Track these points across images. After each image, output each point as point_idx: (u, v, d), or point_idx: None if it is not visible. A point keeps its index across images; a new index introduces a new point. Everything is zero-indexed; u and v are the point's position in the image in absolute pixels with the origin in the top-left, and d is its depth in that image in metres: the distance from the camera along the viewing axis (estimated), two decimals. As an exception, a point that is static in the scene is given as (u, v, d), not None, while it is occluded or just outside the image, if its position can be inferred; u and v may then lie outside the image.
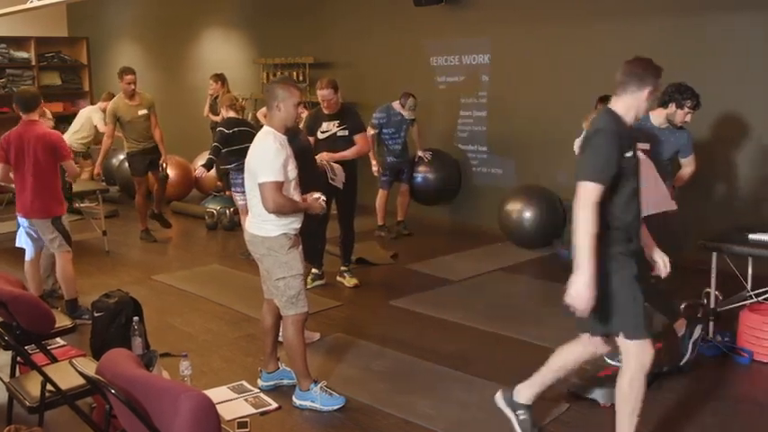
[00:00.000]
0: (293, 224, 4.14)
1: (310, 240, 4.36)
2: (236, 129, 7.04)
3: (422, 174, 8.75)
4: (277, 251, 4.08)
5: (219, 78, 9.93)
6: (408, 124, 8.36)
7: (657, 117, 5.20)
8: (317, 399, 4.18)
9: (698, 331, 4.34)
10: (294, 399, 4.25)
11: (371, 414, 4.14)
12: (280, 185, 3.97)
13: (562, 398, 4.29)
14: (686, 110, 5.07)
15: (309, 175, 5.11)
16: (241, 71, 11.60)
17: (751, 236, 5.11)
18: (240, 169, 7.03)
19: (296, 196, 4.14)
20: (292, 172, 4.09)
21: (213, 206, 9.30)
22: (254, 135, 6.91)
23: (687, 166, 5.39)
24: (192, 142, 11.33)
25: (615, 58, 7.58)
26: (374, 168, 8.20)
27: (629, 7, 7.49)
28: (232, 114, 7.25)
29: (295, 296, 4.13)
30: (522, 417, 3.81)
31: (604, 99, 6.88)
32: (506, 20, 8.52)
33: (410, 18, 9.32)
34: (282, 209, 4.00)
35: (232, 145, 6.93)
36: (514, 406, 3.85)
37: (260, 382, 4.47)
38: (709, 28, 6.95)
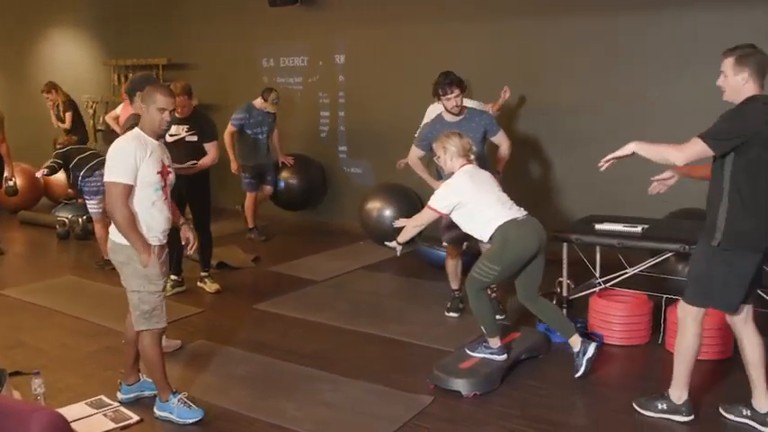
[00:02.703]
0: (157, 234, 3.97)
1: (167, 247, 4.24)
2: (68, 146, 7.31)
3: (285, 180, 8.72)
4: (137, 261, 3.88)
5: (52, 87, 9.52)
6: (272, 121, 8.30)
7: (446, 114, 5.52)
8: (175, 411, 4.07)
9: (592, 350, 4.52)
10: (155, 410, 4.14)
11: (236, 420, 4.08)
12: (126, 189, 3.78)
13: (425, 390, 4.38)
14: (448, 94, 5.36)
15: None
16: (91, 73, 11.20)
17: (597, 226, 5.39)
18: (90, 175, 6.87)
19: (161, 208, 3.96)
20: (152, 176, 3.89)
21: (65, 215, 8.90)
22: (87, 148, 6.83)
23: (501, 143, 5.67)
24: (40, 148, 10.81)
25: (465, 58, 7.87)
26: (233, 167, 8.10)
27: (474, 9, 7.75)
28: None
29: (149, 312, 3.95)
30: None
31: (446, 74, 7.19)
32: (360, 20, 8.63)
33: (266, 18, 9.26)
34: (117, 219, 3.79)
35: (71, 159, 6.98)
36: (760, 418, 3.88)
37: (120, 395, 4.32)
38: (549, 29, 7.31)
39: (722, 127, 3.56)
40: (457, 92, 5.35)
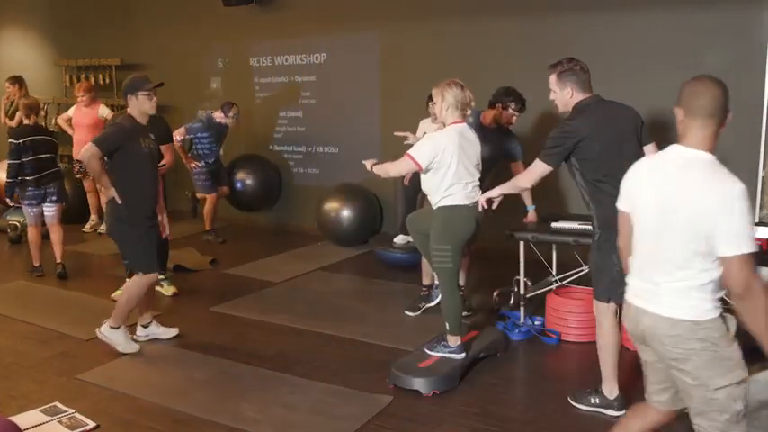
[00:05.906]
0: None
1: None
2: (27, 138, 6.56)
3: (242, 181, 8.65)
4: (717, 343, 2.69)
5: (17, 81, 9.36)
6: (226, 132, 8.23)
7: (487, 117, 5.53)
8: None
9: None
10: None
11: (196, 425, 4.04)
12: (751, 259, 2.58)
13: (385, 390, 4.39)
14: (511, 111, 5.46)
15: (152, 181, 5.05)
16: (41, 73, 10.97)
17: (553, 224, 5.44)
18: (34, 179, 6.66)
19: None
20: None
21: (16, 218, 8.71)
22: (52, 142, 6.41)
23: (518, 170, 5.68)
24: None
25: (395, 59, 7.83)
26: (191, 165, 8.00)
27: (404, 12, 7.78)
28: (27, 122, 6.75)
29: (740, 412, 2.74)
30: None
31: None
32: (315, 20, 8.59)
33: (221, 18, 9.17)
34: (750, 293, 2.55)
35: (26, 156, 6.52)
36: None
37: None
38: (494, 30, 7.35)
39: (548, 143, 3.91)
40: (520, 112, 5.50)
